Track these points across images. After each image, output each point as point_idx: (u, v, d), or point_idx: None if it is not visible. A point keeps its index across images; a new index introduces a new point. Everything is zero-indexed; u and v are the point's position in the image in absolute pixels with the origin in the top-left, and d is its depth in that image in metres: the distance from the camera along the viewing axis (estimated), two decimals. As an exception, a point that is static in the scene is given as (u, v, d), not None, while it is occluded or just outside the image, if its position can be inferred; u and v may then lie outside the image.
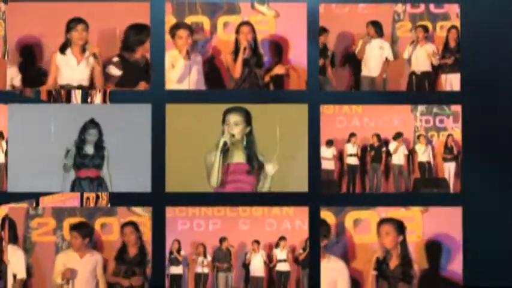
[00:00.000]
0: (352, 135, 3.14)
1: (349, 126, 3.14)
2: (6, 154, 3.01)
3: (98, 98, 3.13)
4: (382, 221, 2.96)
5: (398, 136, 3.13)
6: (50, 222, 2.84)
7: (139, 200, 3.00)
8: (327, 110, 3.09)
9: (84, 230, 2.79)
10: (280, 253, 3.07)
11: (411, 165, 3.14)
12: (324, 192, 3.07)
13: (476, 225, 3.04)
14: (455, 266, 3.02)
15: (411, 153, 3.14)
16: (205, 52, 3.17)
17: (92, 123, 3.18)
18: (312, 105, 3.06)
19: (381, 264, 2.94)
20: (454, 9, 3.20)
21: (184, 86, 3.09)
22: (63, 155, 3.11)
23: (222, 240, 3.07)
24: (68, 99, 3.10)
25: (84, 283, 2.71)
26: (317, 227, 3.05)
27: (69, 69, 2.99)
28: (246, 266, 3.08)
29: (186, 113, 3.07)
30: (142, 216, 2.93)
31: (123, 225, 2.87)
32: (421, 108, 3.12)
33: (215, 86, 3.14)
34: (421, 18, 3.26)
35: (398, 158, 3.15)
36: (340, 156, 3.15)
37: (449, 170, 3.10)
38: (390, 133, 3.14)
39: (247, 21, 3.18)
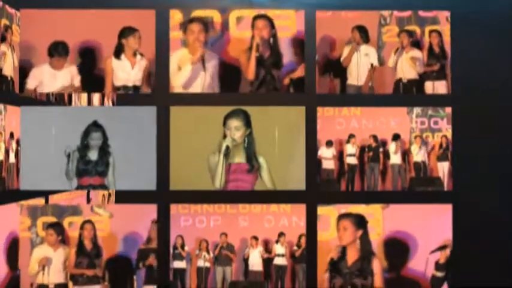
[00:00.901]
0: (352, 136, 3.16)
1: (348, 127, 3.16)
2: (16, 154, 3.03)
3: (105, 100, 3.12)
4: (341, 217, 3.01)
5: (397, 137, 3.15)
6: (25, 221, 2.96)
7: (144, 197, 3.03)
8: (327, 112, 3.13)
9: (58, 228, 2.90)
10: (279, 248, 3.11)
11: (407, 165, 3.15)
12: (323, 190, 3.11)
13: (466, 222, 3.06)
14: (415, 263, 3.06)
15: (407, 153, 3.15)
16: (217, 51, 3.15)
17: (95, 125, 3.15)
18: (309, 107, 3.08)
19: (336, 264, 3.00)
20: (443, 13, 3.18)
21: (195, 89, 3.11)
22: (65, 161, 3.11)
23: (222, 235, 3.11)
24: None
25: (57, 271, 2.85)
26: (314, 223, 3.07)
27: (125, 73, 3.06)
28: (245, 260, 3.12)
29: (189, 115, 3.08)
30: (103, 215, 3.00)
31: (83, 223, 2.96)
32: (416, 110, 3.14)
33: (229, 89, 3.13)
34: (408, 23, 3.22)
35: (397, 158, 3.16)
36: (339, 156, 3.16)
37: (443, 169, 3.12)
38: (387, 134, 3.16)
39: (264, 14, 3.15)
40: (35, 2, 3.06)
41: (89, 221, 2.92)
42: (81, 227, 2.93)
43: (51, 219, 2.93)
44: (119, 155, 3.12)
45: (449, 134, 3.11)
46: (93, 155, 3.10)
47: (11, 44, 3.01)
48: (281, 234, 3.11)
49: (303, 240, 3.08)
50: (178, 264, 3.05)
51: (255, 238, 3.11)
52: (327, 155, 3.15)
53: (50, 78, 3.05)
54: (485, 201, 3.06)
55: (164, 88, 3.09)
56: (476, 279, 3.03)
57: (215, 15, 3.12)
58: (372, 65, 3.19)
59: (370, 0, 3.16)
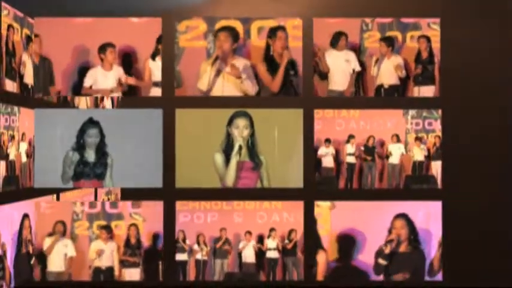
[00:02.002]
0: (351, 136, 3.20)
1: (347, 128, 3.21)
2: (28, 154, 3.10)
3: (107, 103, 3.24)
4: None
5: (397, 138, 3.20)
6: (84, 224, 3.18)
7: (151, 194, 3.11)
8: (327, 114, 3.18)
9: (107, 228, 3.14)
10: (271, 242, 3.16)
11: (403, 164, 3.20)
12: (323, 187, 3.17)
13: (454, 218, 3.11)
14: (364, 257, 3.13)
15: (404, 153, 3.20)
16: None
17: (91, 122, 3.14)
18: (307, 110, 3.13)
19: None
20: (425, 20, 3.20)
21: (216, 93, 3.15)
22: (61, 162, 3.13)
23: (221, 230, 3.18)
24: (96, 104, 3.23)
25: (107, 258, 3.16)
26: (311, 219, 3.12)
27: (159, 71, 3.13)
28: (239, 254, 3.19)
29: (193, 116, 3.13)
30: (138, 220, 3.15)
31: (130, 225, 3.17)
32: (411, 112, 3.17)
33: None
34: (390, 28, 3.22)
35: (395, 157, 3.20)
36: (338, 156, 3.21)
37: (436, 167, 3.16)
38: (384, 135, 3.20)
39: (283, 25, 3.16)
40: (54, 10, 3.13)
41: (133, 224, 3.15)
42: (128, 228, 3.16)
43: (103, 222, 3.16)
44: (124, 156, 3.14)
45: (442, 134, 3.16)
46: (90, 156, 3.13)
47: (31, 54, 3.10)
48: (272, 229, 3.17)
49: (294, 235, 3.14)
50: (180, 256, 3.15)
51: (249, 233, 3.18)
52: (326, 154, 3.20)
53: (102, 78, 3.17)
54: (474, 199, 3.09)
55: (170, 92, 3.13)
56: (466, 272, 3.09)
57: (238, 26, 3.16)
58: (353, 70, 3.22)
59: (359, 7, 3.16)
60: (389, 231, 3.09)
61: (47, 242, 3.16)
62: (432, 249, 3.12)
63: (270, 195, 3.15)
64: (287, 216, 3.17)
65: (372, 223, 3.13)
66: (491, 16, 3.14)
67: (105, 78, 3.17)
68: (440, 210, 3.10)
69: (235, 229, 3.19)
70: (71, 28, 3.15)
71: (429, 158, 3.19)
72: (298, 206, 3.15)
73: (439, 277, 3.09)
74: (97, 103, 3.23)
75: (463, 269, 3.09)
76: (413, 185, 3.20)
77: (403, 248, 3.09)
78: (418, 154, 3.21)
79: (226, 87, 3.15)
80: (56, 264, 3.17)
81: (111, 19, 3.14)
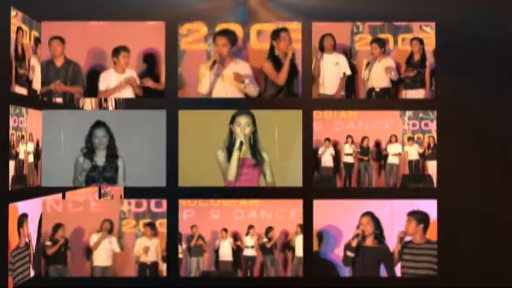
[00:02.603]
0: (349, 137, 3.24)
1: (346, 129, 3.24)
2: (35, 154, 3.12)
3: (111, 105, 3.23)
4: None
5: (395, 139, 3.23)
6: (131, 222, 3.25)
7: (155, 193, 3.15)
8: (326, 115, 3.20)
9: (152, 226, 3.20)
10: (249, 240, 3.21)
11: (400, 164, 3.24)
12: (322, 186, 3.20)
13: (449, 216, 3.13)
14: (338, 251, 3.19)
15: (401, 153, 3.23)
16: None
17: (98, 123, 3.16)
18: (306, 111, 3.15)
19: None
20: (417, 23, 3.20)
21: (217, 94, 3.19)
22: (69, 164, 3.17)
23: (192, 227, 3.22)
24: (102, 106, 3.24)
25: (152, 254, 3.22)
26: (310, 216, 3.14)
27: None
28: (216, 251, 3.22)
29: (196, 118, 3.15)
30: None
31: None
32: (408, 113, 3.19)
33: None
34: (381, 31, 3.23)
35: (393, 157, 3.24)
36: (337, 155, 3.24)
37: (432, 167, 3.17)
38: (382, 135, 3.24)
39: (285, 27, 3.19)
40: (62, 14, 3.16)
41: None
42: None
43: (148, 220, 3.23)
44: (130, 157, 3.18)
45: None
46: (99, 159, 3.17)
47: (40, 58, 3.16)
48: (250, 227, 3.21)
49: (272, 233, 3.20)
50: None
51: (225, 230, 3.22)
52: (326, 154, 3.24)
53: (115, 81, 3.21)
54: (468, 197, 3.12)
55: (173, 94, 3.16)
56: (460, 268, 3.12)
57: (237, 29, 3.20)
58: (344, 73, 3.24)
59: (352, 10, 3.17)
60: (357, 227, 3.17)
61: (93, 239, 3.25)
62: (393, 244, 3.17)
63: (269, 193, 3.16)
64: (265, 214, 3.22)
65: (345, 220, 3.19)
66: (486, 16, 3.16)
67: (117, 81, 3.22)
68: (435, 209, 3.14)
69: (212, 226, 3.24)
70: (88, 31, 3.20)
71: (424, 157, 3.22)
72: (276, 204, 3.20)
73: (397, 270, 3.16)
74: (101, 104, 3.24)
75: (457, 265, 3.12)
76: (410, 184, 3.23)
77: (369, 242, 3.17)
78: (414, 154, 3.24)
79: (227, 89, 3.21)
80: (102, 259, 3.25)
81: (127, 23, 3.19)
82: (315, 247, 3.16)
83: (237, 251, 3.22)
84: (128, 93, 3.23)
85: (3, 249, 2.80)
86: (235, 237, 3.22)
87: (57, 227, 3.25)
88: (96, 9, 3.15)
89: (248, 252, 3.23)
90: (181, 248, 3.20)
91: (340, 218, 3.19)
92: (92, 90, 3.22)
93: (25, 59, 3.02)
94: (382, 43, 3.22)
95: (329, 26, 3.21)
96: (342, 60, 3.25)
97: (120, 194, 3.23)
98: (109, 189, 3.24)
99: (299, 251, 3.18)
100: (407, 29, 3.22)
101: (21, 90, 2.99)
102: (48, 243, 3.24)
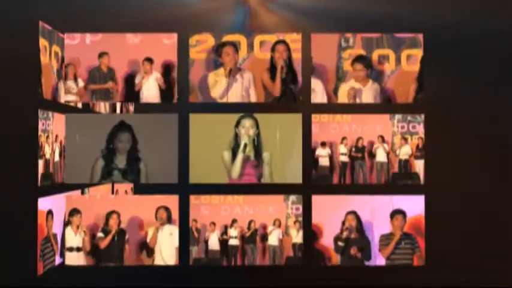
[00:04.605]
0: (344, 138, 3.32)
1: (341, 131, 3.33)
2: (60, 154, 3.23)
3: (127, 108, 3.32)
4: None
5: (383, 139, 3.32)
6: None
7: (168, 189, 3.23)
8: (323, 119, 3.30)
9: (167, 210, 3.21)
10: (233, 231, 3.32)
11: (390, 162, 3.32)
12: (319, 183, 3.29)
13: (435, 210, 3.24)
14: (325, 240, 3.32)
15: (390, 152, 3.32)
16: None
17: (123, 126, 3.16)
18: (305, 114, 3.26)
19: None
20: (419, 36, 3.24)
21: (226, 99, 3.28)
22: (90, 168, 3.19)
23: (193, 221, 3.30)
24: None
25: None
26: (309, 210, 3.26)
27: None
28: (205, 242, 3.32)
29: (205, 120, 3.25)
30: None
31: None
32: (397, 116, 3.29)
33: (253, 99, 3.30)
34: (378, 45, 3.26)
35: (383, 156, 3.33)
36: (333, 155, 3.32)
37: (419, 165, 3.27)
38: (374, 137, 3.33)
39: (283, 39, 3.26)
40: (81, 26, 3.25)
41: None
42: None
43: None
44: (147, 157, 3.25)
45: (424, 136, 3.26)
46: (120, 162, 3.18)
47: (65, 72, 3.31)
48: (234, 220, 3.33)
49: (252, 225, 3.32)
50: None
51: (213, 223, 3.33)
52: (322, 154, 3.33)
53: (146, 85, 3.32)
54: (452, 193, 3.22)
55: (185, 99, 3.26)
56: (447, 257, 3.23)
57: (242, 40, 3.30)
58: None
59: (340, 23, 3.23)
60: (343, 223, 3.32)
61: (150, 232, 3.28)
62: (375, 237, 3.34)
63: (272, 189, 3.27)
64: (247, 209, 3.33)
65: (330, 216, 3.33)
66: (472, 21, 3.22)
67: (148, 84, 3.32)
68: (423, 203, 3.26)
69: (202, 220, 3.33)
70: (126, 43, 3.33)
71: (412, 157, 3.31)
72: (257, 200, 3.33)
73: (381, 261, 3.32)
74: (114, 109, 3.35)
75: (443, 253, 3.23)
76: (399, 181, 3.33)
77: (353, 235, 3.33)
78: (403, 154, 3.33)
79: (239, 94, 3.33)
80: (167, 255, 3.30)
81: (153, 35, 3.30)
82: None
83: (223, 241, 3.34)
84: (154, 87, 3.35)
85: (34, 238, 3.01)
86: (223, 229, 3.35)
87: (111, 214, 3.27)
88: (114, 20, 3.25)
89: (232, 242, 3.35)
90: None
91: (329, 213, 3.33)
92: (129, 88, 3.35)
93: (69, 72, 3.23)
94: (366, 61, 3.32)
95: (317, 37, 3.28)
96: (317, 85, 3.32)
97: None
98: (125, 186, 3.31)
99: (272, 240, 3.35)
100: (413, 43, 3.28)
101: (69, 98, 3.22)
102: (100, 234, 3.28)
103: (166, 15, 3.26)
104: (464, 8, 3.22)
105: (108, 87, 3.33)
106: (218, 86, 3.32)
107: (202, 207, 3.31)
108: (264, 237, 3.36)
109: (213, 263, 3.33)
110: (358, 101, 3.27)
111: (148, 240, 3.30)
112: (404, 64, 3.31)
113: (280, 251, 3.36)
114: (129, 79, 3.34)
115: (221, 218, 3.33)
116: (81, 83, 3.32)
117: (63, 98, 3.31)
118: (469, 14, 3.22)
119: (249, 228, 3.34)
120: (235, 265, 3.33)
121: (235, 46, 3.29)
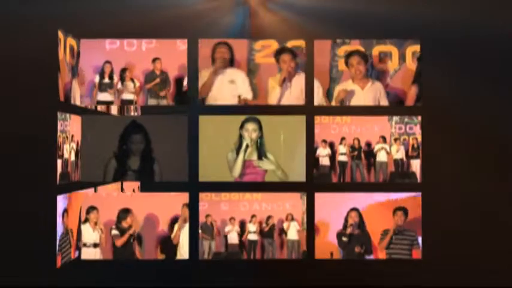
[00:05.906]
0: (343, 139, 3.38)
1: (341, 132, 3.38)
2: (76, 154, 3.28)
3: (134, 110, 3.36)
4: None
5: (384, 140, 3.36)
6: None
7: (179, 186, 3.29)
8: (324, 120, 3.36)
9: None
10: (252, 226, 3.38)
11: (388, 162, 3.38)
12: (320, 181, 3.34)
13: (432, 207, 3.28)
14: (330, 236, 3.38)
15: (388, 153, 3.36)
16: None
17: (135, 126, 3.18)
18: (308, 116, 3.32)
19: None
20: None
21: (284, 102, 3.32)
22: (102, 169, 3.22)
23: (207, 216, 3.38)
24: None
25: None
26: (312, 207, 3.32)
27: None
28: (225, 236, 3.40)
29: (214, 122, 3.32)
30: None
31: None
32: (395, 118, 3.35)
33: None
34: (379, 41, 3.29)
35: (382, 156, 3.38)
36: (333, 155, 3.38)
37: (416, 165, 3.33)
38: (372, 137, 3.38)
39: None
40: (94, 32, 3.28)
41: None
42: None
43: None
44: (159, 157, 3.29)
45: (420, 137, 3.33)
46: (134, 163, 3.21)
47: (79, 79, 3.37)
48: (253, 216, 3.39)
49: (270, 220, 3.38)
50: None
51: (233, 218, 3.39)
52: (323, 154, 3.39)
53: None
54: (448, 191, 3.26)
55: (194, 102, 3.32)
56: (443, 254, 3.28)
57: (302, 44, 3.32)
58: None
59: (340, 29, 3.26)
60: (346, 219, 3.40)
61: (174, 229, 3.34)
62: (376, 233, 3.42)
63: (276, 187, 3.33)
64: (265, 206, 3.38)
65: (333, 213, 3.40)
66: (469, 23, 3.23)
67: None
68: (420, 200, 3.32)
69: (222, 215, 3.41)
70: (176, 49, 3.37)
71: (409, 156, 3.36)
72: (275, 197, 3.38)
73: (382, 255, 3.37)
74: (123, 111, 3.38)
75: (439, 247, 3.28)
76: (397, 179, 3.39)
77: (356, 231, 3.41)
78: (399, 153, 3.38)
79: (291, 98, 3.38)
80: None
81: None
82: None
83: (241, 235, 3.40)
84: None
85: (54, 232, 3.13)
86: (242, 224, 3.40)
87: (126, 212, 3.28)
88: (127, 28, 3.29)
89: (251, 237, 3.42)
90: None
91: (332, 210, 3.39)
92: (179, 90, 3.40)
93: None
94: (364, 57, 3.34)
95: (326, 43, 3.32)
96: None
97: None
98: (134, 184, 3.34)
99: (291, 235, 3.42)
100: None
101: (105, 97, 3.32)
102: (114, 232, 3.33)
103: (175, 17, 3.30)
104: (464, 8, 3.24)
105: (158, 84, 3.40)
106: (274, 92, 3.38)
107: (222, 204, 3.39)
108: (282, 232, 3.43)
109: (232, 257, 3.39)
110: (347, 104, 3.34)
111: (172, 236, 3.37)
112: (410, 62, 3.35)
113: (298, 245, 3.43)
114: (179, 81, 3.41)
115: (240, 214, 3.40)
116: (137, 84, 3.38)
117: (99, 96, 3.40)
118: (468, 14, 3.23)
119: (266, 223, 3.41)
120: (254, 259, 3.41)
121: (293, 53, 3.33)
